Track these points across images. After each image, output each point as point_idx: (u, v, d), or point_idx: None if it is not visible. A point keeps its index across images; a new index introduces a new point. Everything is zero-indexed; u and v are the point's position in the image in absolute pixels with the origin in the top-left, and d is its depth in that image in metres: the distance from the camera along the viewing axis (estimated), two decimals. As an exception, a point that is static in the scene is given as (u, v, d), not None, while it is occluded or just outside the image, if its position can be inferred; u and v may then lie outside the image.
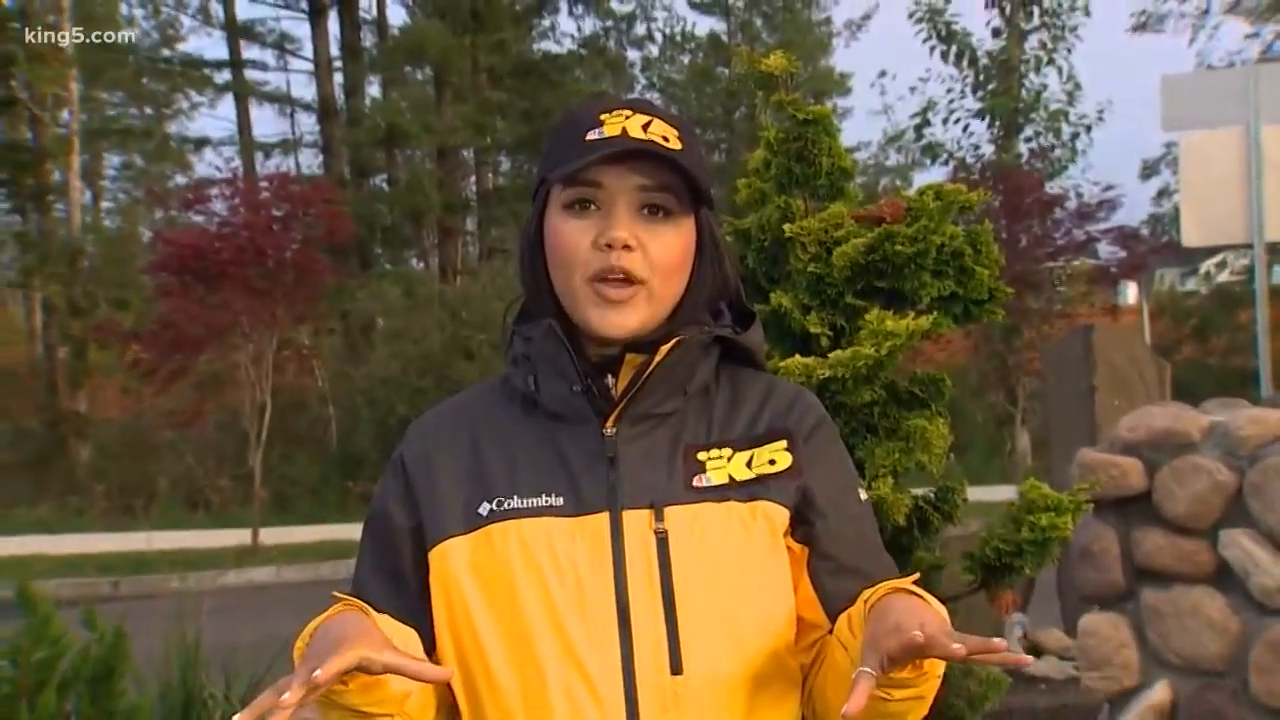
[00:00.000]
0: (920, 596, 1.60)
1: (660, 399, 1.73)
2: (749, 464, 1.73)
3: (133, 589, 15.09)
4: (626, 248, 1.68)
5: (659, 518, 1.68)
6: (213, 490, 23.73)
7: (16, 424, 28.90)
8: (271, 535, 18.45)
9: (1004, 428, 22.13)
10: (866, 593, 1.66)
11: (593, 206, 1.71)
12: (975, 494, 4.33)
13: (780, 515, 1.73)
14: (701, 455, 1.73)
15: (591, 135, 1.70)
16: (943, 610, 1.59)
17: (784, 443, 1.75)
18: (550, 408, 1.75)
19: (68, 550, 18.76)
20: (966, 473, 4.28)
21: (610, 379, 1.74)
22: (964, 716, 4.01)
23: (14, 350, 32.55)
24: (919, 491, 3.99)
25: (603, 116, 1.72)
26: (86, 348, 28.45)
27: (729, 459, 1.73)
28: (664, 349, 1.71)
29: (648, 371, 1.71)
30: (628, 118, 1.71)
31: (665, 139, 1.70)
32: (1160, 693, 4.85)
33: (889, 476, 3.88)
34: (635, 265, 1.69)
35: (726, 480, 1.72)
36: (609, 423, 1.73)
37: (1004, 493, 4.08)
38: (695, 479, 1.71)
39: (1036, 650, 7.69)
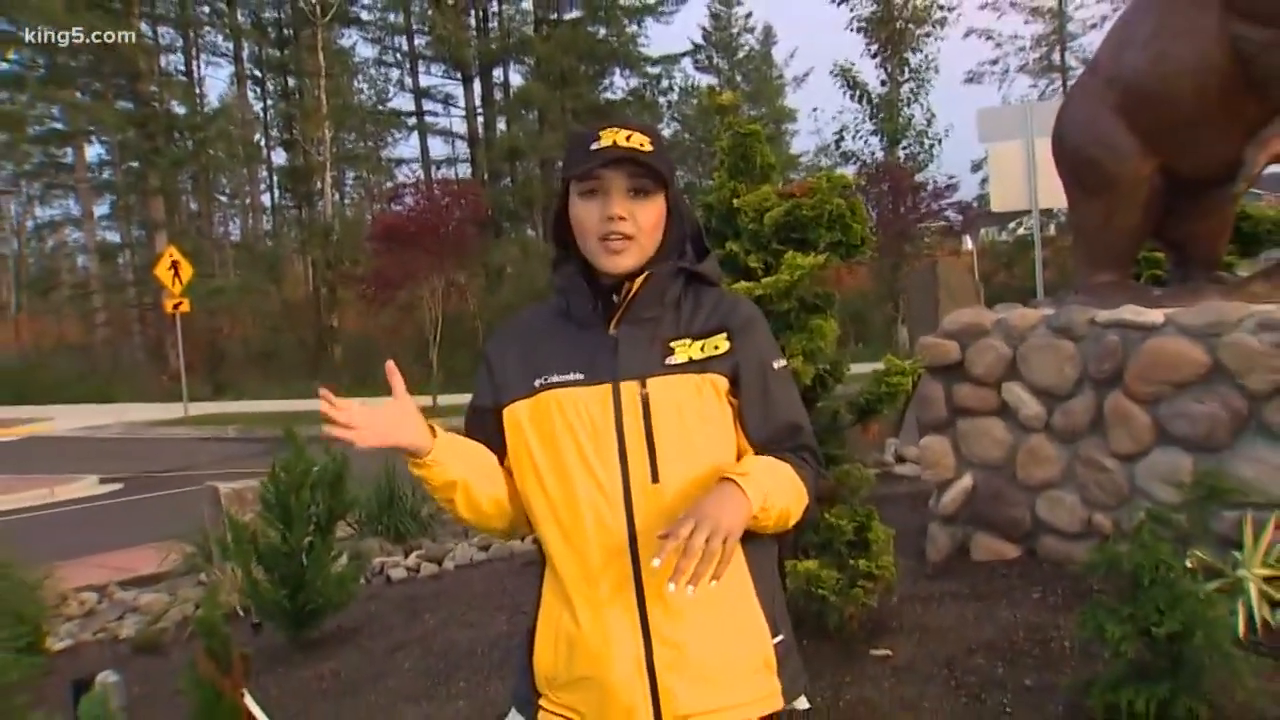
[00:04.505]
0: (735, 481, 1.58)
1: (645, 309, 1.69)
2: (702, 349, 1.69)
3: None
4: (621, 219, 1.65)
5: (643, 385, 1.65)
6: (408, 372, 23.92)
7: (298, 335, 29.25)
8: (444, 400, 18.62)
9: (891, 326, 21.98)
10: (738, 464, 1.68)
11: (598, 194, 1.66)
12: (871, 368, 4.33)
13: (722, 382, 1.69)
14: (673, 343, 1.69)
15: (594, 146, 1.65)
16: (737, 497, 1.56)
17: (725, 334, 1.71)
18: (577, 318, 1.71)
19: (327, 409, 19.11)
20: (868, 355, 4.26)
21: (616, 298, 1.70)
22: (849, 500, 4.02)
23: (297, 290, 32.81)
24: (820, 365, 4.00)
25: (600, 133, 1.67)
26: (336, 288, 28.65)
27: (689, 345, 1.69)
28: (637, 281, 1.68)
29: (631, 294, 1.69)
30: (616, 133, 1.66)
31: (641, 145, 1.65)
32: (966, 480, 4.87)
33: (800, 355, 3.88)
34: (627, 228, 1.65)
35: (687, 360, 1.68)
36: (612, 326, 1.69)
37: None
38: (667, 359, 1.68)
39: (903, 459, 7.71)
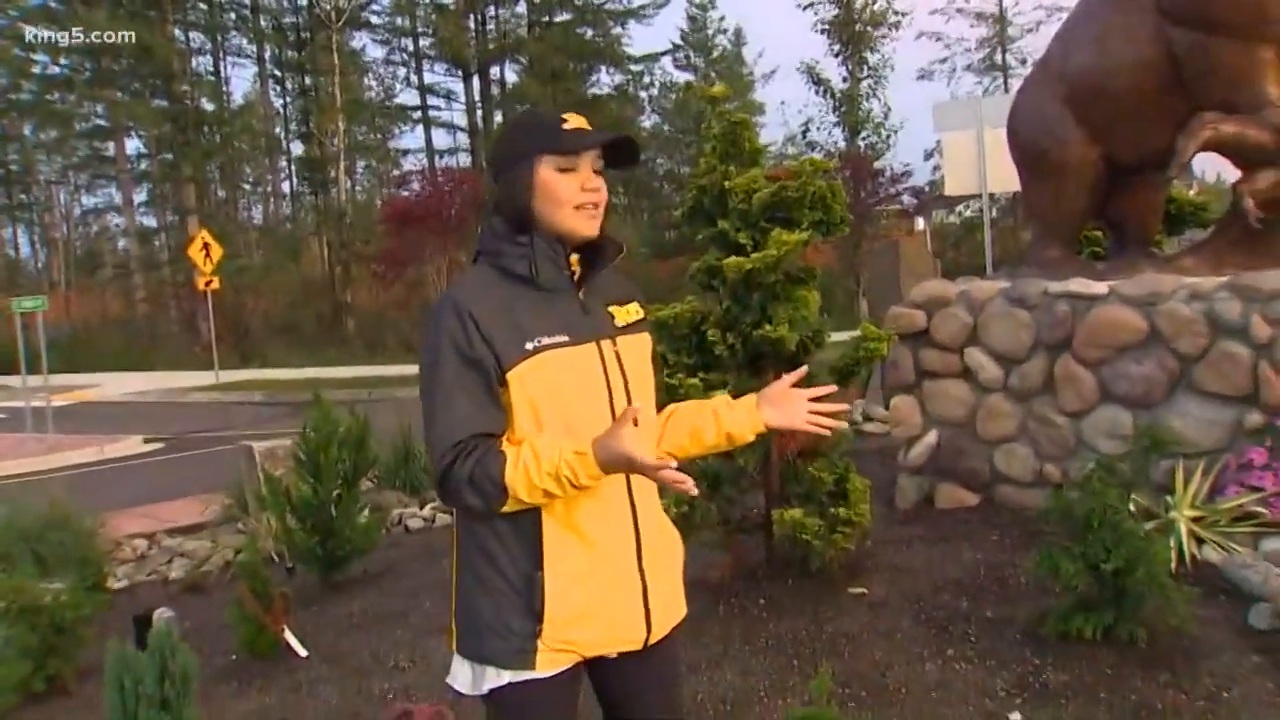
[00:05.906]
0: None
1: (595, 276, 1.68)
2: (628, 313, 1.72)
3: (378, 396, 15.03)
4: (596, 189, 1.63)
5: (614, 344, 1.66)
6: (416, 344, 23.70)
7: (316, 309, 28.93)
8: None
9: (853, 298, 21.86)
10: (716, 398, 1.82)
11: (573, 170, 1.61)
12: (837, 336, 4.30)
13: (650, 339, 1.77)
14: (611, 309, 1.70)
15: (567, 127, 1.62)
16: None
17: (636, 304, 1.75)
18: (545, 284, 1.62)
19: (343, 375, 18.84)
20: (831, 325, 4.20)
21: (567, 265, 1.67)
22: (829, 454, 4.00)
23: (314, 269, 32.37)
24: (803, 332, 3.96)
25: (565, 116, 1.64)
26: (350, 266, 28.32)
27: (619, 309, 1.71)
28: (607, 251, 1.68)
29: (606, 265, 1.69)
30: (579, 118, 1.65)
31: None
32: (931, 437, 4.86)
33: (785, 324, 3.85)
34: (599, 198, 1.64)
35: (626, 323, 1.71)
36: (580, 292, 1.66)
37: (853, 334, 4.11)
38: (615, 322, 1.69)
39: (870, 418, 7.62)
